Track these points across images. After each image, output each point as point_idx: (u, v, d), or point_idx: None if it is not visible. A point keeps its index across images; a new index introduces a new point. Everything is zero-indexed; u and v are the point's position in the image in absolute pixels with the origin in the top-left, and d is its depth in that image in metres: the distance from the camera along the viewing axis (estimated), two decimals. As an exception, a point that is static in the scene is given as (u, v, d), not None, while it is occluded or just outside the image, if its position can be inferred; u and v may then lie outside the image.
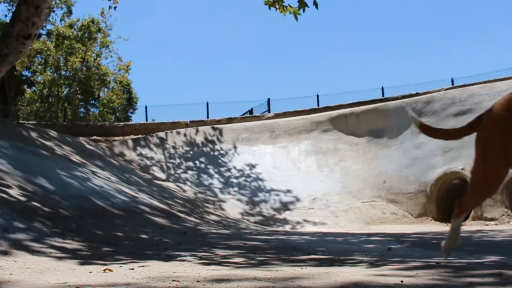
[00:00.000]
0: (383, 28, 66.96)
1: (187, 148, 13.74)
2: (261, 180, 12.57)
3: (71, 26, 25.73)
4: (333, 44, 69.55)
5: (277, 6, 7.61)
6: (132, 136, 14.60)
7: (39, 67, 26.28)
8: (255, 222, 10.31)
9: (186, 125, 15.13)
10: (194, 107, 31.37)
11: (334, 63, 70.24)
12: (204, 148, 13.76)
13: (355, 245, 5.96)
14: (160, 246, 5.08)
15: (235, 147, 13.78)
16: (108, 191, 8.32)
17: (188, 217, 8.60)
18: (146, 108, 17.55)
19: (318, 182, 12.45)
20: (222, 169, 12.97)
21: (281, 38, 68.97)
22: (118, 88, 27.52)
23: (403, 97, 14.23)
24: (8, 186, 6.15)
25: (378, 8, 66.60)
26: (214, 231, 7.45)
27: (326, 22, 68.59)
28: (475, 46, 64.36)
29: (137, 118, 37.33)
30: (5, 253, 3.89)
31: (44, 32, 25.77)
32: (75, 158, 10.40)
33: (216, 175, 12.69)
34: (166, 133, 14.20)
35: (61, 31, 25.00)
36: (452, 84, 14.89)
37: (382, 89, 15.90)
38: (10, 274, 3.12)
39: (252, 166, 13.09)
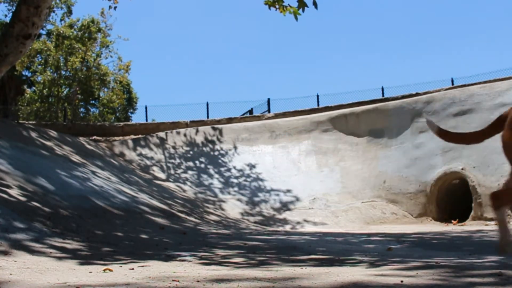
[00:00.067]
0: (383, 28, 66.98)
1: (187, 148, 13.74)
2: (261, 180, 12.57)
3: (71, 26, 25.73)
4: (333, 44, 69.58)
5: (277, 6, 7.62)
6: (132, 136, 14.60)
7: (39, 67, 26.29)
8: (255, 222, 10.31)
9: (186, 125, 15.14)
10: (194, 107, 31.40)
11: (334, 63, 70.27)
12: (204, 148, 13.76)
13: (355, 245, 5.96)
14: (160, 246, 5.08)
15: (235, 147, 13.78)
16: (108, 191, 8.32)
17: (188, 217, 8.60)
18: (146, 108, 17.57)
19: (318, 182, 12.46)
20: (222, 169, 12.98)
21: (281, 38, 69.00)
22: (118, 88, 27.52)
23: (403, 97, 14.23)
24: (8, 186, 6.15)
25: (378, 8, 66.61)
26: (214, 231, 7.45)
27: (326, 22, 68.61)
28: (475, 46, 64.39)
29: (137, 118, 37.38)
30: (5, 253, 3.89)
31: (44, 32, 25.79)
32: (75, 158, 10.40)
33: (216, 175, 12.69)
34: (166, 133, 14.20)
35: (61, 31, 25.00)
36: (452, 84, 14.89)
37: (382, 89, 15.92)
38: (10, 274, 3.12)
39: (252, 166, 13.09)
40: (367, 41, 65.31)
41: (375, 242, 6.42)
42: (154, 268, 3.54)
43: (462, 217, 10.90)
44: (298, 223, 10.58)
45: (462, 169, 11.09)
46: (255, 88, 62.74)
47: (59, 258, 3.96)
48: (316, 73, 66.09)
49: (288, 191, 12.13)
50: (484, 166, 10.80)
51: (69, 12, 26.15)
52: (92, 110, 27.95)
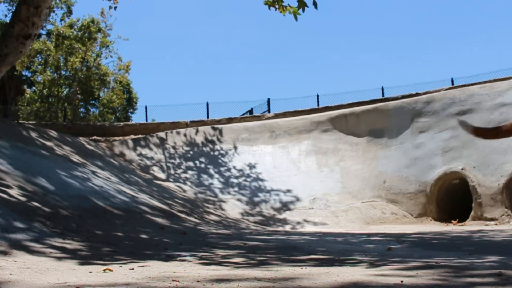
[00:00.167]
0: (383, 28, 66.93)
1: (187, 148, 13.74)
2: (261, 180, 12.57)
3: (71, 26, 25.72)
4: (333, 44, 69.53)
5: (277, 6, 7.62)
6: (132, 136, 14.60)
7: (39, 67, 26.28)
8: (255, 222, 10.31)
9: (186, 125, 15.13)
10: (194, 107, 31.36)
11: (334, 63, 70.22)
12: (204, 148, 13.76)
13: (355, 245, 5.96)
14: (160, 246, 5.08)
15: (235, 147, 13.78)
16: (108, 191, 8.32)
17: (188, 217, 8.60)
18: (146, 108, 17.55)
19: (318, 182, 12.46)
20: (222, 169, 12.98)
21: (281, 38, 68.96)
22: (118, 88, 27.51)
23: (403, 97, 14.22)
24: (8, 186, 6.15)
25: (378, 8, 66.57)
26: (214, 231, 7.45)
27: (326, 22, 68.57)
28: (475, 46, 64.32)
29: (137, 118, 37.32)
30: (5, 253, 3.89)
31: (44, 32, 25.77)
32: (75, 158, 10.40)
33: (216, 175, 12.69)
34: (166, 133, 14.20)
35: (61, 31, 25.00)
36: (452, 84, 14.88)
37: (382, 89, 15.90)
38: (10, 274, 3.12)
39: (252, 166, 13.09)
40: (367, 41, 65.29)
41: (375, 242, 6.42)
42: (154, 268, 3.54)
43: (462, 217, 10.90)
44: (298, 223, 10.58)
45: (462, 169, 11.09)
46: (255, 88, 62.76)
47: (59, 258, 3.96)
48: (316, 73, 66.09)
49: (288, 191, 12.13)
50: (484, 166, 10.80)
51: (69, 12, 26.14)
52: (92, 110, 27.96)
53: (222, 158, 13.43)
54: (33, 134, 10.90)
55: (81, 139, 12.95)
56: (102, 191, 8.13)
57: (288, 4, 7.49)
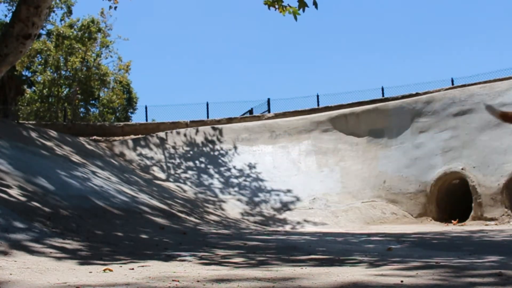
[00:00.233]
0: (383, 28, 66.89)
1: (187, 148, 13.75)
2: (261, 180, 12.57)
3: (71, 26, 25.72)
4: (333, 44, 69.49)
5: (277, 6, 7.61)
6: (132, 136, 14.60)
7: (39, 67, 26.28)
8: (255, 222, 10.31)
9: (186, 125, 15.13)
10: (194, 107, 31.33)
11: (334, 63, 70.17)
12: (204, 148, 13.76)
13: (355, 245, 5.96)
14: (160, 246, 5.08)
15: (235, 147, 13.78)
16: (108, 191, 8.32)
17: (188, 217, 8.60)
18: (146, 108, 17.54)
19: (318, 182, 12.46)
20: (222, 169, 12.98)
21: (281, 38, 68.93)
22: (118, 88, 27.51)
23: (403, 97, 14.22)
24: (8, 186, 6.15)
25: (378, 8, 66.53)
26: (214, 231, 7.46)
27: (326, 22, 68.54)
28: (475, 46, 64.28)
29: (137, 118, 37.29)
30: (5, 253, 3.89)
31: (44, 32, 25.77)
32: (75, 158, 10.40)
33: (216, 175, 12.69)
34: (166, 133, 14.20)
35: (61, 31, 24.99)
36: (452, 84, 14.88)
37: (382, 89, 15.89)
38: (10, 274, 3.12)
39: (252, 166, 13.09)
40: (367, 41, 65.25)
41: (375, 242, 6.42)
42: (154, 268, 3.54)
43: (462, 217, 10.90)
44: (298, 223, 10.58)
45: (462, 169, 11.09)
46: (255, 88, 62.72)
47: (59, 258, 3.96)
48: (316, 73, 66.04)
49: (288, 191, 12.13)
50: (484, 166, 10.80)
51: (69, 12, 26.13)
52: (92, 110, 27.94)
53: (222, 158, 13.43)
54: (33, 134, 10.90)
55: (81, 139, 12.95)
56: (102, 191, 8.13)
57: (288, 4, 7.49)
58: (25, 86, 25.14)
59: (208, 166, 13.06)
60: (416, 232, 8.29)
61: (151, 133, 14.45)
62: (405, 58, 65.85)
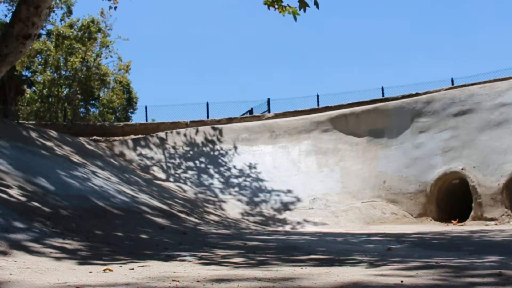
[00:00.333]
0: (383, 28, 66.89)
1: (187, 148, 13.74)
2: (261, 180, 12.57)
3: (71, 26, 25.72)
4: (333, 44, 69.48)
5: (276, 6, 7.60)
6: (132, 136, 14.60)
7: (39, 67, 26.28)
8: (255, 222, 10.31)
9: (186, 125, 15.13)
10: (194, 107, 31.33)
11: (334, 63, 70.18)
12: (204, 148, 13.76)
13: (355, 245, 5.96)
14: (160, 246, 5.08)
15: (235, 147, 13.78)
16: (108, 191, 8.32)
17: (188, 217, 8.60)
18: (146, 108, 17.54)
19: (318, 182, 12.46)
20: (222, 169, 12.98)
21: (281, 38, 68.91)
22: (118, 88, 27.51)
23: (403, 97, 14.23)
24: (8, 186, 6.15)
25: (378, 8, 66.52)
26: (214, 231, 7.45)
27: (326, 22, 68.53)
28: (475, 46, 64.26)
29: (137, 118, 37.30)
30: (5, 253, 3.89)
31: (44, 32, 25.77)
32: (75, 158, 10.40)
33: (216, 175, 12.69)
34: (166, 133, 14.20)
35: (61, 31, 24.99)
36: (452, 84, 14.88)
37: (382, 89, 15.89)
38: (10, 274, 3.12)
39: (252, 166, 13.09)
40: (367, 41, 65.26)
41: (375, 242, 6.42)
42: (154, 268, 3.54)
43: (462, 217, 10.90)
44: (298, 223, 10.58)
45: (462, 169, 11.09)
46: (255, 88, 62.70)
47: (59, 258, 3.96)
48: (316, 73, 66.04)
49: (288, 191, 12.13)
50: (484, 166, 10.80)
51: (69, 12, 26.13)
52: (92, 110, 27.94)
53: (222, 158, 13.43)
54: (33, 134, 10.90)
55: (81, 139, 12.95)
56: (102, 191, 8.13)
57: (288, 4, 7.49)
58: (25, 86, 25.13)
59: (208, 166, 13.06)
60: (416, 232, 8.28)
61: (151, 133, 14.45)
62: (405, 58, 65.86)
